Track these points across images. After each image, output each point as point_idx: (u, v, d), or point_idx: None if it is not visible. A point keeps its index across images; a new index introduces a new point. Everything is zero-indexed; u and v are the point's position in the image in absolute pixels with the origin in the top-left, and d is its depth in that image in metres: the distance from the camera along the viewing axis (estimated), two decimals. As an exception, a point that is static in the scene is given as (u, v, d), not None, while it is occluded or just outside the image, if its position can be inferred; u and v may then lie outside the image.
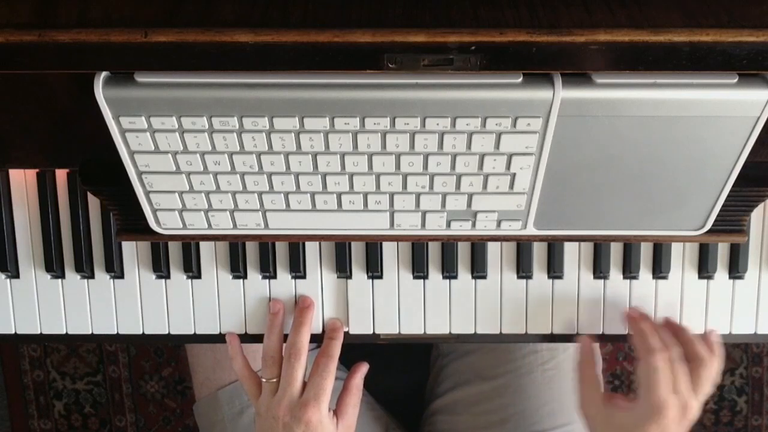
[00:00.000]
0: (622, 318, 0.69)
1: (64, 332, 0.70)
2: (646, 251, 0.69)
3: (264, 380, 0.68)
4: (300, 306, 0.69)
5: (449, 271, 0.69)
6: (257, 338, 0.70)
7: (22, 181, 0.68)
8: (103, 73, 0.50)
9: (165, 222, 0.60)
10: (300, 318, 0.68)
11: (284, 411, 0.65)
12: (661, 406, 0.62)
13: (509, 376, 0.82)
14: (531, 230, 0.61)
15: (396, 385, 0.97)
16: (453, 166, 0.55)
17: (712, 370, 0.65)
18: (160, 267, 0.69)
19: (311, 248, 0.69)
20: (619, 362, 1.39)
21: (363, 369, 0.71)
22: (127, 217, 0.62)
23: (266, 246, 0.69)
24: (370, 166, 0.55)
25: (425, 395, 0.93)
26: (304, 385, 0.67)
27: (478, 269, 0.69)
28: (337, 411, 0.68)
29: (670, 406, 0.62)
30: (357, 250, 0.69)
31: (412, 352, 0.98)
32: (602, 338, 0.71)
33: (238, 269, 0.69)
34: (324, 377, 0.66)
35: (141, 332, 0.70)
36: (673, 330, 0.67)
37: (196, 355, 0.83)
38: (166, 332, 0.70)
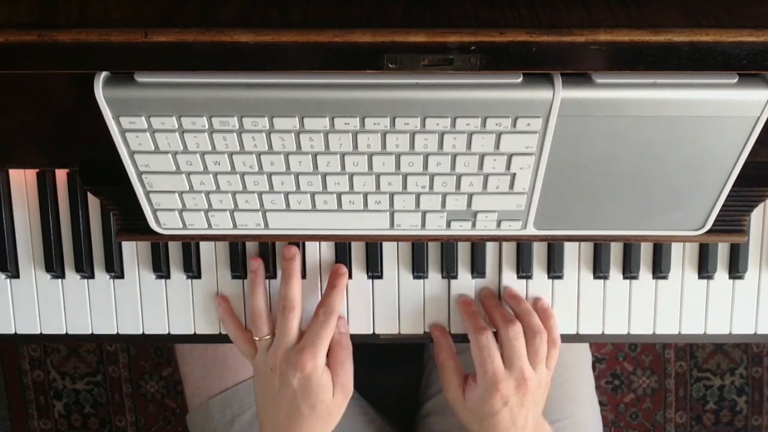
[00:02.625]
0: (460, 307, 0.69)
1: (64, 332, 0.70)
2: (646, 251, 0.69)
3: (257, 339, 0.67)
4: (284, 257, 0.68)
5: (449, 271, 0.69)
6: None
7: (22, 181, 0.68)
8: (103, 73, 0.50)
9: (165, 222, 0.60)
10: (287, 270, 0.67)
11: (280, 359, 0.65)
12: (492, 380, 0.64)
13: None
14: (531, 230, 0.61)
15: (389, 388, 0.97)
16: (453, 166, 0.55)
17: (544, 338, 0.66)
18: (160, 267, 0.69)
19: (311, 248, 0.69)
20: (619, 362, 1.39)
21: (339, 323, 0.68)
22: (127, 217, 0.62)
23: (266, 246, 0.69)
24: (370, 166, 0.55)
25: (418, 397, 0.93)
26: (302, 336, 0.66)
27: (478, 269, 0.69)
28: (329, 364, 0.66)
29: (501, 380, 0.64)
30: (357, 250, 0.69)
31: (404, 354, 0.98)
32: (604, 337, 0.71)
33: (238, 269, 0.69)
34: (323, 327, 0.65)
35: (141, 332, 0.70)
36: (513, 304, 0.68)
37: (187, 365, 0.83)
38: (166, 332, 0.70)
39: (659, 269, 0.69)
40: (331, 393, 0.66)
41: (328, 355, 0.67)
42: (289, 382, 0.64)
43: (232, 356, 0.79)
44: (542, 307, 0.68)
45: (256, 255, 0.69)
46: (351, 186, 0.57)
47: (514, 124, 0.51)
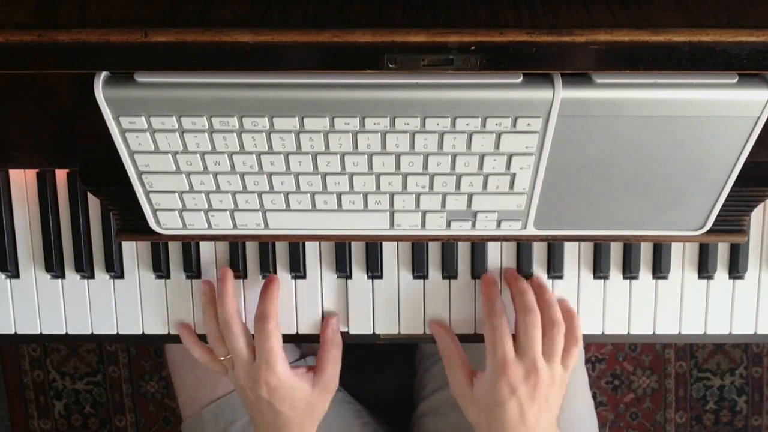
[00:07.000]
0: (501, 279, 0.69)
1: (64, 332, 0.70)
2: (646, 251, 0.69)
3: (222, 359, 0.68)
4: (219, 279, 0.68)
5: (449, 271, 0.69)
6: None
7: (22, 181, 0.68)
8: (103, 73, 0.50)
9: (165, 222, 0.60)
10: (221, 289, 0.67)
11: (244, 380, 0.66)
12: (501, 362, 0.63)
13: None
14: (531, 230, 0.61)
15: (383, 391, 0.97)
16: (453, 166, 0.55)
17: (561, 330, 0.64)
18: (160, 267, 0.69)
19: (311, 248, 0.69)
20: (619, 362, 1.39)
21: (332, 321, 0.69)
22: (127, 217, 0.62)
23: (266, 246, 0.69)
24: (370, 166, 0.55)
25: (413, 398, 0.93)
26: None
27: (478, 269, 0.69)
28: (315, 368, 0.68)
29: (510, 363, 0.62)
30: (357, 250, 0.69)
31: (397, 356, 0.97)
32: (604, 337, 0.71)
33: (238, 269, 0.69)
34: (264, 339, 0.65)
35: (141, 332, 0.70)
36: (537, 294, 0.67)
37: (179, 376, 0.83)
38: (166, 332, 0.70)
39: (659, 269, 0.69)
40: (307, 388, 0.67)
41: (318, 354, 0.69)
42: (260, 395, 0.66)
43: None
44: (566, 307, 0.68)
45: (256, 255, 0.69)
46: (351, 186, 0.57)
47: (514, 124, 0.51)
